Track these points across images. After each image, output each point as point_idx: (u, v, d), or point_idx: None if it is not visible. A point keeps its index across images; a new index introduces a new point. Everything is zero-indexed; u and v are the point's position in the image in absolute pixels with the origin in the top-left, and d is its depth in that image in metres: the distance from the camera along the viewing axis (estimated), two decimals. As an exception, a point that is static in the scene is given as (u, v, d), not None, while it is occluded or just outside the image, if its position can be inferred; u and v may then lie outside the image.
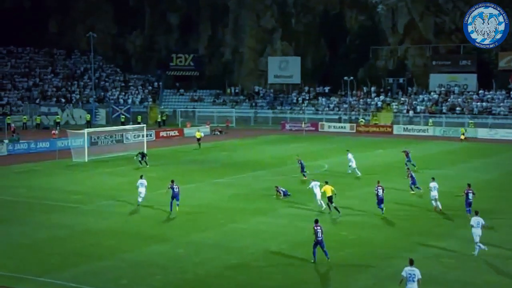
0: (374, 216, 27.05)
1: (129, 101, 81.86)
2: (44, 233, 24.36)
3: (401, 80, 76.88)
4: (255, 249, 22.08)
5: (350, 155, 37.72)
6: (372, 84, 77.42)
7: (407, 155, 38.76)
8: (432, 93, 72.88)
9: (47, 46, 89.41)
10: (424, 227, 25.32)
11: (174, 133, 63.55)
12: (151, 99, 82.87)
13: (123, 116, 74.64)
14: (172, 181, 28.00)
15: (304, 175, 35.27)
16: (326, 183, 27.60)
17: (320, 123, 70.88)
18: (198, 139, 52.28)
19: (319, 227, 20.68)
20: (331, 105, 76.20)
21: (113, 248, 22.30)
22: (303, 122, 68.58)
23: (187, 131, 63.35)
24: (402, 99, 73.47)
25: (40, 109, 75.14)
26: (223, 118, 74.61)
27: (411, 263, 16.61)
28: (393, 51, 79.26)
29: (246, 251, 21.90)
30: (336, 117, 73.54)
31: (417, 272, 16.36)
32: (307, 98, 79.88)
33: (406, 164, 37.81)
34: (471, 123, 64.35)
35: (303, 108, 76.90)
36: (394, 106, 72.39)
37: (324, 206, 27.76)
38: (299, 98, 79.87)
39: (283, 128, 71.52)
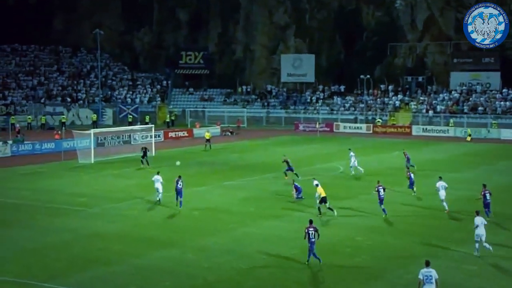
0: (391, 220, 27.01)
1: (137, 100, 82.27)
2: (49, 237, 24.58)
3: (420, 79, 76.57)
4: (266, 254, 22.15)
5: (351, 153, 38.55)
6: (390, 82, 77.15)
7: (405, 156, 39.27)
8: (453, 92, 72.51)
9: (53, 44, 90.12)
10: (443, 232, 25.24)
11: (183, 133, 63.81)
12: (159, 99, 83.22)
13: (131, 116, 75.02)
14: (179, 177, 29.63)
15: (285, 174, 36.04)
16: (317, 185, 28.29)
17: (335, 123, 70.78)
18: (207, 140, 52.49)
19: (312, 228, 20.88)
20: (347, 105, 76.03)
21: (120, 253, 22.46)
22: (317, 123, 68.53)
23: (196, 131, 63.59)
24: (421, 98, 73.18)
25: (45, 109, 75.72)
26: (234, 118, 74.72)
27: (427, 264, 16.73)
28: (412, 48, 78.97)
29: (257, 256, 21.97)
30: (352, 117, 73.36)
31: (433, 273, 16.51)
32: (322, 97, 79.77)
33: (406, 166, 38.12)
34: (494, 123, 63.96)
35: (317, 107, 76.79)
36: (413, 106, 72.11)
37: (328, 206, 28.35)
38: (313, 98, 79.79)
39: (296, 129, 71.49)
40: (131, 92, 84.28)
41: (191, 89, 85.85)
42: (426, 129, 66.39)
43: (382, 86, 77.29)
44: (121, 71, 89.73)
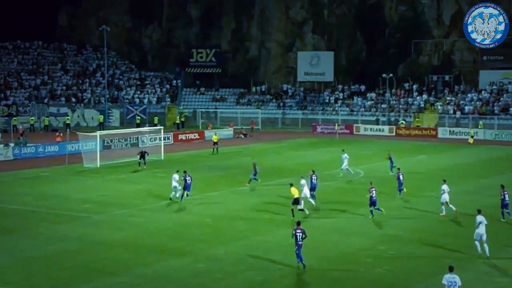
0: (416, 229, 26.92)
1: (145, 100, 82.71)
2: (52, 245, 24.78)
3: (446, 78, 76.18)
4: (282, 265, 22.17)
5: (344, 156, 39.55)
6: (414, 81, 76.89)
7: (390, 159, 40.09)
8: (482, 92, 72.05)
9: (57, 41, 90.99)
10: (471, 241, 25.09)
11: (194, 136, 64.05)
12: (169, 99, 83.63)
13: (139, 117, 75.46)
14: (185, 172, 32.21)
15: (251, 179, 36.45)
16: (291, 185, 29.21)
17: (355, 125, 70.71)
18: (215, 143, 52.62)
19: (299, 231, 21.45)
20: (368, 105, 75.86)
21: (128, 262, 22.57)
22: (337, 124, 68.45)
23: (208, 133, 63.76)
24: (448, 98, 72.81)
25: (48, 110, 76.34)
26: (247, 120, 74.87)
27: (451, 270, 16.82)
28: (438, 45, 78.59)
29: (272, 267, 22.00)
30: (373, 118, 73.22)
31: (457, 279, 16.70)
32: (341, 97, 79.65)
33: (390, 168, 39.07)
34: (527, 125, 63.57)
35: (337, 108, 76.68)
36: (439, 107, 71.77)
37: (314, 203, 30.23)
38: (332, 98, 79.68)
39: (314, 131, 71.45)
40: (139, 92, 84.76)
41: (202, 89, 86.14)
42: (453, 131, 66.02)
43: (405, 85, 77.01)
44: (129, 70, 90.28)
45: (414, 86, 76.49)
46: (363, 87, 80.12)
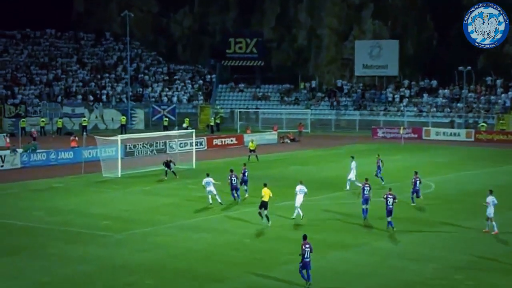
0: (497, 254, 26.48)
1: (174, 99, 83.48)
2: (65, 268, 25.14)
3: (539, 71, 75.01)
4: (336, 295, 22.12)
5: (353, 164, 40.00)
6: (498, 76, 75.84)
7: (377, 163, 41.73)
8: None
9: (72, 29, 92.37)
10: None
11: (231, 140, 64.35)
12: (201, 97, 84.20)
13: (166, 119, 76.17)
14: (231, 170, 35.65)
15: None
16: (265, 185, 31.20)
17: (424, 128, 70.09)
18: (252, 151, 52.62)
19: (307, 246, 22.00)
20: (440, 105, 75.04)
21: (152, 289, 22.79)
22: (402, 128, 67.89)
23: (248, 138, 63.93)
24: (541, 96, 71.74)
25: (62, 110, 77.58)
26: (294, 122, 74.83)
27: None
28: (528, 32, 77.30)
29: (324, 298, 21.97)
30: (447, 120, 72.46)
31: None
32: (407, 95, 78.96)
33: (376, 175, 40.68)
34: None
35: (402, 108, 76.05)
36: (528, 106, 70.77)
37: (301, 214, 31.64)
38: (396, 95, 79.06)
39: (374, 136, 71.02)
40: (167, 89, 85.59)
41: (241, 85, 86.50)
42: (547, 136, 64.96)
43: (487, 80, 75.94)
44: (155, 63, 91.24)
45: (498, 81, 75.45)
46: (434, 83, 79.28)
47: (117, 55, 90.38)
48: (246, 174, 37.95)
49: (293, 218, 31.95)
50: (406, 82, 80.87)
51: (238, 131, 73.52)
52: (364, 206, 31.64)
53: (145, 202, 37.37)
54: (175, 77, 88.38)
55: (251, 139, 55.52)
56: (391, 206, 29.86)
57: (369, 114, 77.48)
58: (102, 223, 32.04)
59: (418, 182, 35.07)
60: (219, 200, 34.77)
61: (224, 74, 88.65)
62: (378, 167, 41.49)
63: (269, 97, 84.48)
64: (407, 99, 78.14)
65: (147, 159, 51.23)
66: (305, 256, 22.25)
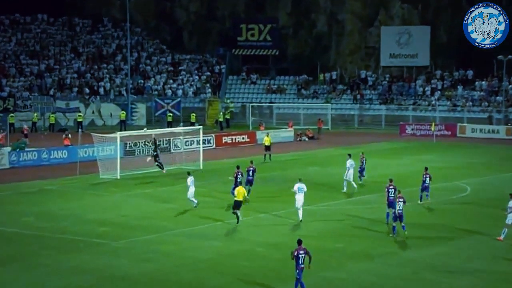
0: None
1: (179, 92, 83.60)
2: (59, 280, 25.26)
3: None
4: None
5: (350, 162, 40.15)
6: (543, 65, 75.60)
7: (361, 160, 42.94)
8: None
9: (66, 15, 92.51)
10: None
11: (243, 138, 64.40)
12: (209, 90, 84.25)
13: (171, 114, 76.30)
14: (238, 167, 36.33)
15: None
16: (240, 183, 32.28)
17: (459, 124, 70.08)
18: (267, 148, 52.77)
19: (302, 251, 22.14)
20: (477, 98, 74.80)
21: (154, 303, 23.01)
22: (433, 124, 67.82)
23: (261, 135, 64.03)
24: None
25: (55, 104, 77.79)
26: (313, 118, 74.82)
27: None
28: None
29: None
30: (484, 116, 72.25)
31: None
32: (440, 87, 78.75)
33: (359, 177, 42.12)
34: None
35: (434, 102, 75.87)
36: None
37: (301, 217, 32.70)
38: (427, 88, 78.88)
39: (402, 133, 70.98)
40: (171, 81, 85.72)
41: (253, 77, 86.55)
42: None
43: (531, 69, 75.79)
44: (158, 52, 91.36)
45: (542, 72, 75.21)
46: (470, 73, 79.02)
47: (116, 43, 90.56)
48: (251, 173, 37.93)
49: (301, 220, 32.74)
50: (438, 73, 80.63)
51: (250, 127, 73.57)
52: (389, 210, 31.75)
53: (147, 206, 37.49)
54: (180, 68, 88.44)
55: (267, 133, 55.60)
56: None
57: (396, 109, 77.30)
58: (100, 230, 32.14)
59: (428, 178, 36.32)
60: (194, 202, 35.57)
61: (234, 64, 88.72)
62: (362, 167, 42.61)
63: (285, 90, 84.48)
64: (439, 92, 77.92)
65: (148, 159, 51.18)
66: (300, 263, 22.38)
